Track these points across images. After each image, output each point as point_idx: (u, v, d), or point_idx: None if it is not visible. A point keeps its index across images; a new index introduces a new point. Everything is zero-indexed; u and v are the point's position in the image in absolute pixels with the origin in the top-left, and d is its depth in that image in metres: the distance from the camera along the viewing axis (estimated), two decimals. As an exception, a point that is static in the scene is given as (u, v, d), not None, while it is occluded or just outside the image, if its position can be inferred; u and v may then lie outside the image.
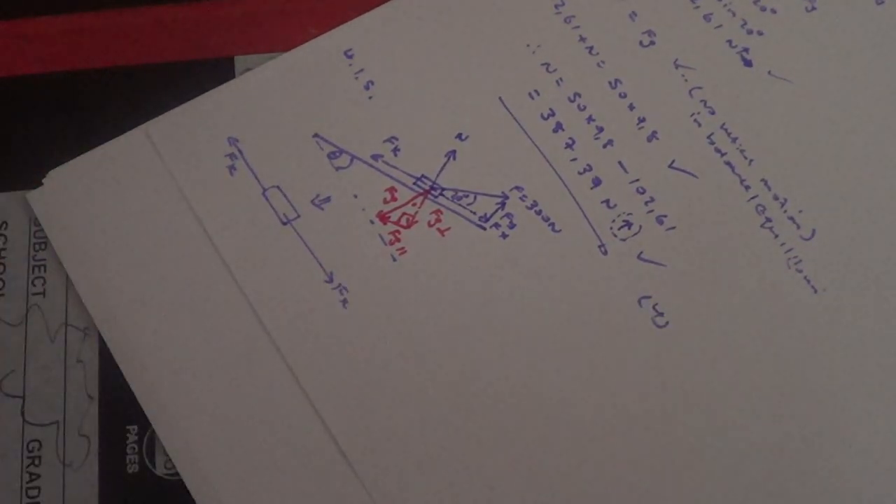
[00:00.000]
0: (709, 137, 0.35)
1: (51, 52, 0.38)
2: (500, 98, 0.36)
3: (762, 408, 0.32)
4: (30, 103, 0.37)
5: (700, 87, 0.36)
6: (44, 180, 0.35)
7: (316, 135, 0.35)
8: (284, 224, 0.34)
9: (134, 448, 0.33)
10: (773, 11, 0.37)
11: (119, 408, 0.33)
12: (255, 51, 0.37)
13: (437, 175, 0.35)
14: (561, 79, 0.36)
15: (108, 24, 0.38)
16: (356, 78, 0.36)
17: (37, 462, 0.33)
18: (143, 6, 0.38)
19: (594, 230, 0.34)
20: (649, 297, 0.33)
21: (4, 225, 0.35)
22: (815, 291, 0.33)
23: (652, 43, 0.37)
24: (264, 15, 0.38)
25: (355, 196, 0.34)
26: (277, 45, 0.37)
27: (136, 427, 0.33)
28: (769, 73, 0.36)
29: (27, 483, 0.33)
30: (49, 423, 0.33)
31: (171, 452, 0.32)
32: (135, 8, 0.38)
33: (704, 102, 0.36)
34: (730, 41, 0.37)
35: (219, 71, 0.37)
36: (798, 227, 0.34)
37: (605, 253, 0.34)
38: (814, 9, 0.37)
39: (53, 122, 0.37)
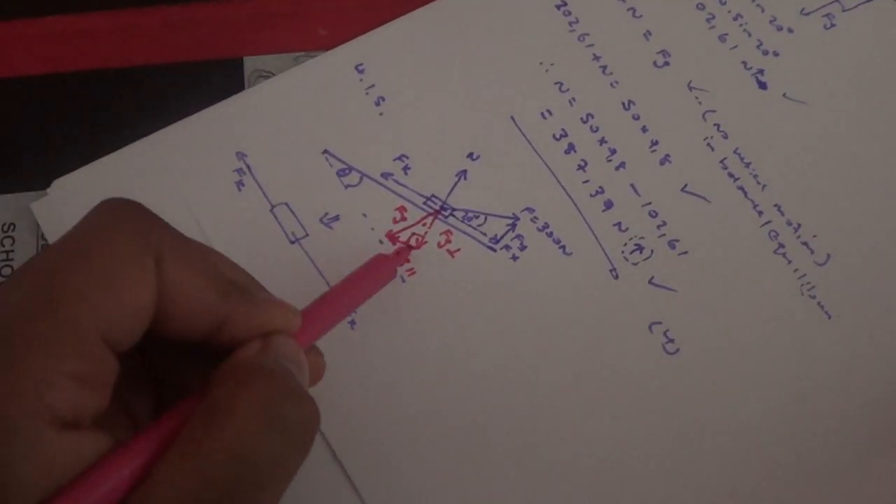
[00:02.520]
0: (722, 162, 0.35)
1: (59, 52, 0.38)
2: (511, 117, 0.35)
3: (776, 436, 0.32)
4: (38, 104, 0.37)
5: (714, 111, 0.35)
6: (48, 189, 0.35)
7: (325, 151, 0.35)
8: (292, 243, 0.34)
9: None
10: (790, 31, 0.37)
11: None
12: (264, 51, 0.37)
13: (448, 195, 0.34)
14: (574, 98, 0.36)
15: (116, 24, 0.38)
16: (367, 93, 0.36)
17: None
18: (152, 6, 0.38)
19: (605, 253, 0.34)
20: (660, 323, 0.33)
21: (12, 227, 0.35)
22: (829, 317, 0.33)
23: (666, 63, 0.36)
24: (273, 16, 0.38)
25: (364, 215, 0.34)
26: (286, 46, 0.37)
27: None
28: (784, 95, 0.36)
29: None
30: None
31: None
32: (143, 8, 0.38)
33: (718, 126, 0.35)
34: (745, 62, 0.36)
35: (228, 71, 0.37)
36: (812, 252, 0.34)
37: (616, 277, 0.33)
38: (833, 26, 0.37)
39: (62, 123, 0.37)
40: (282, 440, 0.22)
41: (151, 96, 0.37)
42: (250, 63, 0.37)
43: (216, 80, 0.37)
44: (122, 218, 0.23)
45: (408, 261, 0.33)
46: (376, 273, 0.31)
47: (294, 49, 0.37)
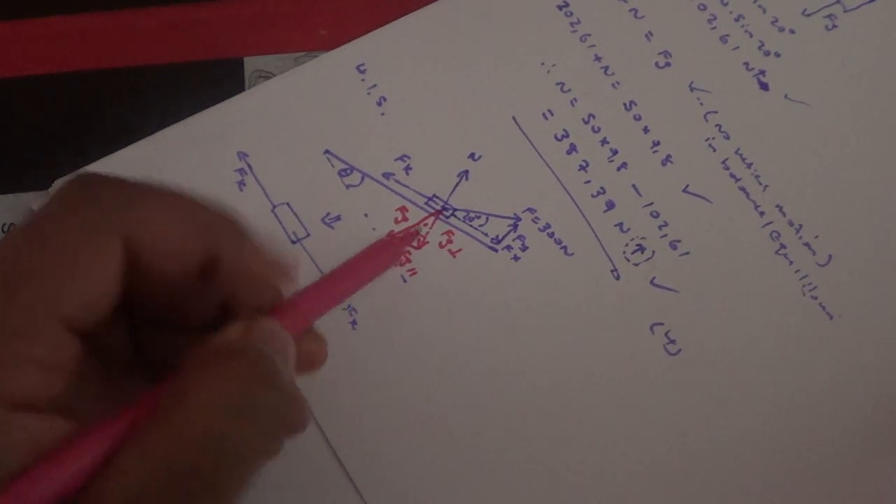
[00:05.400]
0: (723, 162, 0.35)
1: (59, 52, 0.37)
2: (513, 117, 0.35)
3: (778, 436, 0.32)
4: (38, 104, 0.37)
5: (715, 112, 0.35)
6: (49, 190, 0.34)
7: (327, 151, 0.35)
8: (294, 243, 0.34)
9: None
10: (792, 32, 0.37)
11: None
12: (265, 52, 0.37)
13: (449, 195, 0.34)
14: (575, 99, 0.36)
15: (116, 24, 0.38)
16: (368, 93, 0.36)
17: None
18: (153, 7, 0.38)
19: (607, 254, 0.34)
20: (661, 324, 0.33)
21: (12, 227, 0.35)
22: (831, 318, 0.33)
23: (668, 64, 0.36)
24: (274, 16, 0.38)
25: (366, 215, 0.34)
26: (287, 46, 0.37)
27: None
28: (785, 96, 0.36)
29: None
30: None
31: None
32: (144, 8, 0.38)
33: (719, 127, 0.35)
34: (746, 63, 0.36)
35: (228, 72, 0.37)
36: (813, 253, 0.34)
37: (618, 278, 0.33)
38: (834, 27, 0.37)
39: (62, 123, 0.36)
40: (250, 426, 0.21)
41: (151, 96, 0.37)
42: (250, 63, 0.37)
43: (216, 80, 0.37)
44: (87, 195, 0.23)
45: (409, 258, 0.33)
46: (375, 255, 0.31)
47: (295, 49, 0.37)
